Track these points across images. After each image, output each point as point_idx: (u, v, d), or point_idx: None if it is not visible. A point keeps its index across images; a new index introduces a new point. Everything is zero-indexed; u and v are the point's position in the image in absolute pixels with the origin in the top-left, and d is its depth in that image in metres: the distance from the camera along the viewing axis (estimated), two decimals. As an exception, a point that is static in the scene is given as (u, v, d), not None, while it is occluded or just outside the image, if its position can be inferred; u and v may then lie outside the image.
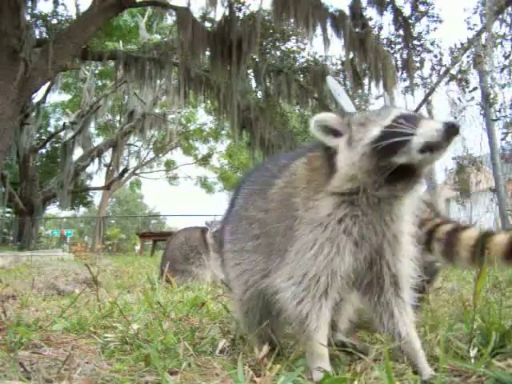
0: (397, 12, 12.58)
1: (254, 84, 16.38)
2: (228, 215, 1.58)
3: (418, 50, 12.91)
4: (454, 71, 5.07)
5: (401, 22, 12.63)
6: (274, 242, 1.25)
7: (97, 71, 22.77)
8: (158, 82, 16.05)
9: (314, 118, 1.22)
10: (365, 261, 1.21)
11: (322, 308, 1.18)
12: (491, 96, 4.35)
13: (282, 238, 1.23)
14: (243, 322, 1.52)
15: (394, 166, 1.08)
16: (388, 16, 12.81)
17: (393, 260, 1.22)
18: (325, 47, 12.49)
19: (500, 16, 4.58)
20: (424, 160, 1.08)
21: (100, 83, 24.08)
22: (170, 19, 19.27)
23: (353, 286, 1.25)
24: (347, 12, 12.46)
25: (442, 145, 1.05)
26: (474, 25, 5.56)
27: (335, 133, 1.20)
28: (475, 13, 5.66)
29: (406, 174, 1.11)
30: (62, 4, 20.82)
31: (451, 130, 1.03)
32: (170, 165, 33.41)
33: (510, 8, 4.56)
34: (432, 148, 1.05)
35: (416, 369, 1.18)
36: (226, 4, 12.52)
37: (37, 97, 18.58)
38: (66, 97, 27.13)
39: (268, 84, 15.16)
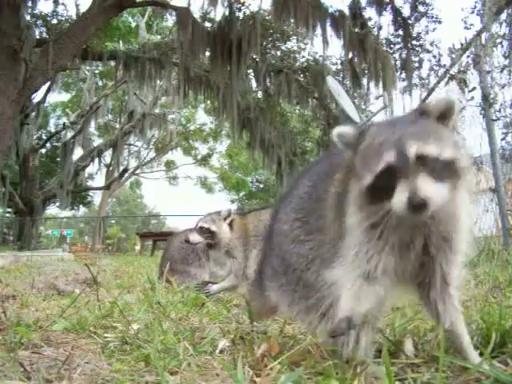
0: (396, 12, 12.60)
1: (254, 84, 16.40)
2: (285, 203, 1.58)
3: (417, 51, 12.92)
4: (453, 71, 5.07)
5: (400, 22, 12.64)
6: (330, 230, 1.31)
7: (97, 71, 22.78)
8: (158, 82, 16.05)
9: (334, 132, 1.24)
10: (415, 261, 1.20)
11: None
12: (491, 96, 4.35)
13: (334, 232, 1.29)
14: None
15: (387, 211, 1.08)
16: (387, 16, 12.84)
17: (445, 260, 1.21)
18: (324, 47, 12.51)
19: (500, 16, 4.58)
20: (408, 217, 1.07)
21: (100, 83, 24.08)
22: (170, 19, 19.30)
23: (402, 283, 1.26)
24: (347, 12, 12.48)
25: (413, 216, 1.04)
26: (471, 24, 5.57)
27: (352, 146, 1.22)
28: (472, 12, 5.66)
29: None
30: (62, 4, 20.83)
31: (412, 208, 1.01)
32: (169, 165, 33.43)
33: (509, 8, 4.56)
34: (407, 215, 1.04)
35: (463, 356, 1.20)
36: (225, 4, 12.52)
37: (37, 97, 18.62)
38: (66, 97, 27.20)
39: (268, 84, 15.16)
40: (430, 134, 1.09)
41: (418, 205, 1.00)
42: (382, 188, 1.07)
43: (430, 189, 1.01)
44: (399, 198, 1.03)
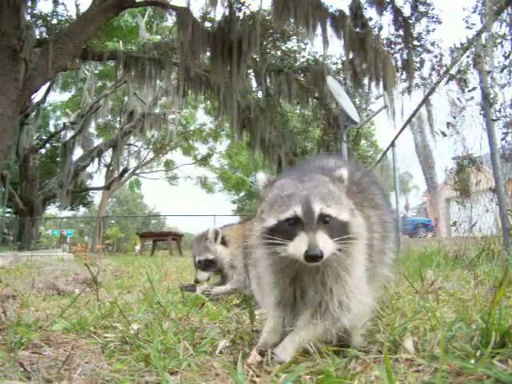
0: (397, 12, 12.59)
1: (254, 84, 16.39)
2: None
3: (418, 51, 12.92)
4: (453, 71, 5.06)
5: (401, 22, 12.63)
6: None
7: (96, 71, 22.76)
8: (158, 82, 16.04)
9: (257, 175, 1.50)
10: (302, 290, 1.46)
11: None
12: (491, 96, 4.35)
13: None
14: None
15: (279, 255, 1.31)
16: (388, 16, 12.83)
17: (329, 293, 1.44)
18: (324, 47, 12.51)
19: (500, 16, 4.57)
20: (299, 261, 1.26)
21: (100, 83, 24.07)
22: (170, 19, 19.27)
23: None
24: (347, 12, 12.47)
25: (306, 263, 1.24)
26: (473, 24, 5.56)
27: (262, 193, 1.47)
28: (474, 12, 5.67)
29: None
30: (62, 4, 20.80)
31: (309, 258, 1.22)
32: (169, 165, 33.43)
33: (510, 8, 4.55)
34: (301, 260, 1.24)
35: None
36: (225, 4, 12.52)
37: (37, 97, 18.61)
38: (66, 97, 27.19)
39: (268, 84, 15.16)
40: (333, 198, 1.33)
41: (314, 256, 1.21)
42: (280, 234, 1.28)
43: (325, 244, 1.23)
44: (299, 247, 1.23)
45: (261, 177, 1.47)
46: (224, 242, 2.99)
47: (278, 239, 1.28)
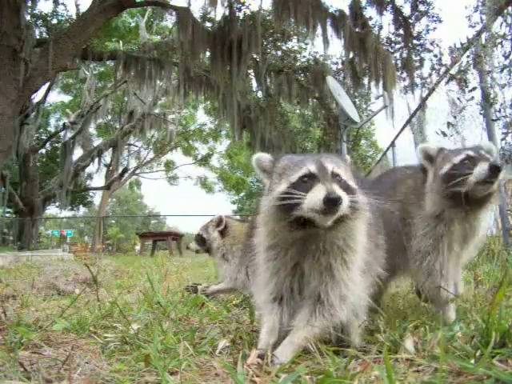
0: (397, 12, 12.58)
1: (254, 84, 16.38)
2: None
3: (418, 50, 12.91)
4: (453, 71, 5.06)
5: (401, 21, 12.62)
6: None
7: (95, 72, 22.73)
8: (158, 82, 16.04)
9: (253, 157, 1.51)
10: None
11: None
12: (491, 96, 4.35)
13: None
14: None
15: (293, 217, 1.30)
16: (388, 16, 12.81)
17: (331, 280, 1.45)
18: (324, 47, 12.50)
19: (500, 16, 4.57)
20: (316, 217, 1.27)
21: (100, 84, 24.06)
22: (170, 19, 19.27)
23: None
24: (347, 12, 12.46)
25: (324, 213, 1.24)
26: (475, 23, 5.54)
27: (267, 169, 1.48)
28: (476, 11, 5.65)
29: (311, 224, 1.30)
30: (62, 4, 20.76)
31: (330, 205, 1.22)
32: (169, 165, 33.42)
33: (510, 8, 4.55)
34: (318, 212, 1.24)
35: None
36: (225, 4, 12.50)
37: (37, 97, 18.60)
38: (66, 97, 27.19)
39: (268, 84, 15.15)
40: (342, 167, 1.39)
41: (333, 199, 1.21)
42: (295, 193, 1.27)
43: (342, 193, 1.24)
44: (317, 195, 1.24)
45: (266, 156, 1.50)
46: (223, 232, 3.06)
47: (294, 195, 1.28)
